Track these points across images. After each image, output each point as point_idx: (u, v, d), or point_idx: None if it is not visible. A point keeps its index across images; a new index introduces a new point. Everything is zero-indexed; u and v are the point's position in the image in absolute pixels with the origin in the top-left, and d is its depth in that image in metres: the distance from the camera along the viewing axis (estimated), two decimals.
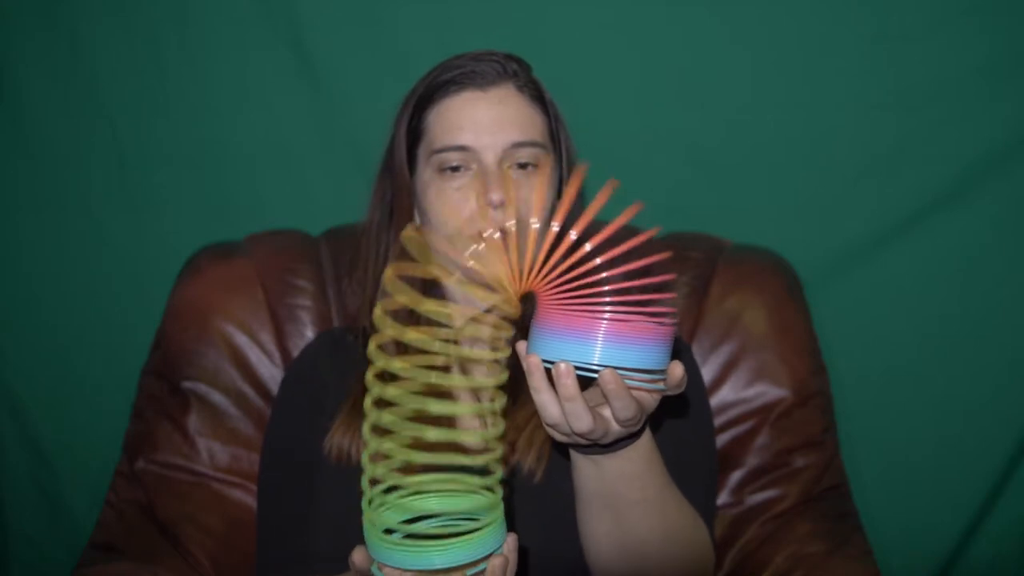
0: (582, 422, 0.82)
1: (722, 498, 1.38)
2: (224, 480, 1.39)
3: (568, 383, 0.80)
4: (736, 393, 1.40)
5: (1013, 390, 1.58)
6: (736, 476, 1.39)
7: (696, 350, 1.41)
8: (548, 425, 0.85)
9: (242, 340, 1.43)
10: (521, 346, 0.85)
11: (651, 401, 0.86)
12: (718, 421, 1.39)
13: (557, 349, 0.80)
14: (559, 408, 0.82)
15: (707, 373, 1.40)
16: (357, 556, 0.85)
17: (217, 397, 1.41)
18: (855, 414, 1.58)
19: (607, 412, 0.84)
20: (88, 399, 1.71)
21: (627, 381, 0.81)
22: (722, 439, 1.39)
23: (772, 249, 1.50)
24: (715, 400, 1.40)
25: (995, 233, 1.56)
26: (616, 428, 0.85)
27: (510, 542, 0.84)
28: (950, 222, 1.56)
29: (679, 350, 1.21)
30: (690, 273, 1.46)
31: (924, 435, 1.61)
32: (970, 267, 1.58)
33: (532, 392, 0.82)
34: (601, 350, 0.79)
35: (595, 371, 0.80)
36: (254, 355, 1.43)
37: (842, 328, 1.57)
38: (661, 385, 0.83)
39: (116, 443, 1.46)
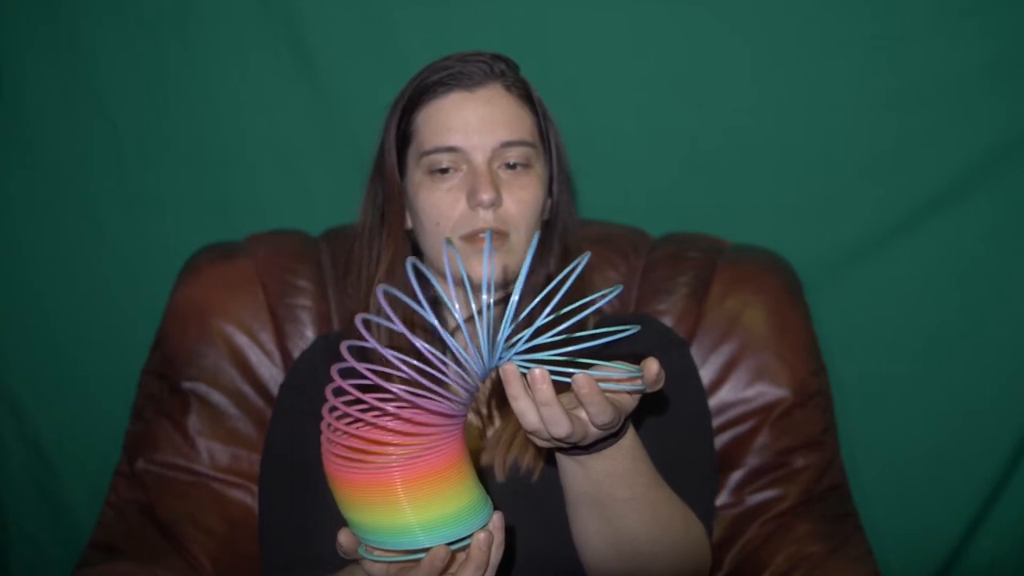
0: (560, 427, 0.81)
1: (722, 498, 1.38)
2: (224, 480, 1.39)
3: (543, 388, 0.79)
4: (736, 393, 1.40)
5: (1013, 390, 1.58)
6: (736, 476, 1.39)
7: (696, 350, 1.41)
8: (528, 432, 0.84)
9: (242, 340, 1.43)
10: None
11: (629, 402, 0.85)
12: (718, 421, 1.39)
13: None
14: (537, 414, 0.82)
15: (707, 373, 1.40)
16: (344, 538, 0.86)
17: (217, 397, 1.41)
18: (855, 414, 1.58)
19: (584, 414, 0.84)
20: (88, 399, 1.71)
21: (602, 384, 0.81)
22: (722, 439, 1.39)
23: (772, 249, 1.50)
24: (715, 400, 1.40)
25: (995, 233, 1.56)
26: (595, 431, 0.85)
27: (496, 520, 0.84)
28: (950, 222, 1.56)
29: (673, 348, 1.22)
30: (690, 273, 1.46)
31: (924, 435, 1.61)
32: (970, 267, 1.58)
33: (510, 400, 0.82)
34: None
35: (569, 376, 0.80)
36: (254, 355, 1.43)
37: (842, 328, 1.57)
38: (639, 384, 0.83)
39: (116, 443, 1.46)
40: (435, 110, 1.11)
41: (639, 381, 0.83)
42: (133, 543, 1.34)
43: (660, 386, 0.84)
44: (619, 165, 1.61)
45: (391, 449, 0.80)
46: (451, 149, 1.10)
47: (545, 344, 0.81)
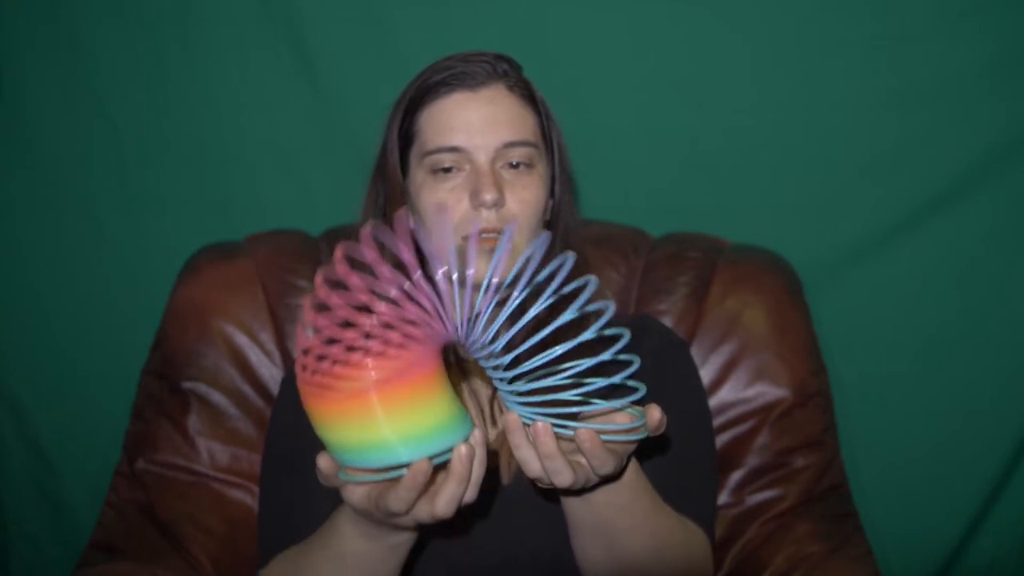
0: (562, 477, 0.82)
1: (722, 498, 1.38)
2: (224, 480, 1.39)
3: (546, 441, 0.80)
4: (736, 393, 1.40)
5: (1013, 390, 1.58)
6: (736, 476, 1.39)
7: (696, 350, 1.41)
8: (531, 478, 0.85)
9: (242, 340, 1.43)
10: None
11: (630, 447, 0.86)
12: (718, 421, 1.39)
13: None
14: (540, 464, 0.82)
15: (707, 373, 1.40)
16: (323, 463, 0.84)
17: (217, 397, 1.41)
18: (855, 414, 1.58)
19: (586, 461, 0.84)
20: (88, 399, 1.71)
21: (604, 437, 0.81)
22: (722, 439, 1.39)
23: (772, 249, 1.50)
24: (715, 400, 1.40)
25: (995, 233, 1.56)
26: (596, 477, 0.86)
27: (477, 435, 0.82)
28: (950, 222, 1.56)
29: (673, 348, 1.22)
30: (690, 273, 1.46)
31: (924, 435, 1.61)
32: (970, 267, 1.58)
33: (513, 449, 0.83)
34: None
35: (572, 429, 0.80)
36: (254, 355, 1.43)
37: (842, 328, 1.57)
38: (642, 433, 0.83)
39: (116, 443, 1.46)
40: (438, 110, 1.11)
41: (641, 429, 0.83)
42: (133, 543, 1.34)
43: (663, 431, 0.85)
44: (619, 165, 1.61)
45: (366, 361, 0.77)
46: (454, 149, 1.09)
47: (538, 366, 0.81)
